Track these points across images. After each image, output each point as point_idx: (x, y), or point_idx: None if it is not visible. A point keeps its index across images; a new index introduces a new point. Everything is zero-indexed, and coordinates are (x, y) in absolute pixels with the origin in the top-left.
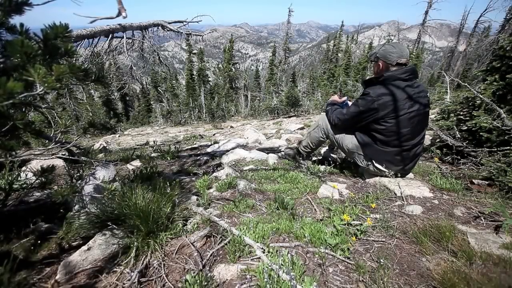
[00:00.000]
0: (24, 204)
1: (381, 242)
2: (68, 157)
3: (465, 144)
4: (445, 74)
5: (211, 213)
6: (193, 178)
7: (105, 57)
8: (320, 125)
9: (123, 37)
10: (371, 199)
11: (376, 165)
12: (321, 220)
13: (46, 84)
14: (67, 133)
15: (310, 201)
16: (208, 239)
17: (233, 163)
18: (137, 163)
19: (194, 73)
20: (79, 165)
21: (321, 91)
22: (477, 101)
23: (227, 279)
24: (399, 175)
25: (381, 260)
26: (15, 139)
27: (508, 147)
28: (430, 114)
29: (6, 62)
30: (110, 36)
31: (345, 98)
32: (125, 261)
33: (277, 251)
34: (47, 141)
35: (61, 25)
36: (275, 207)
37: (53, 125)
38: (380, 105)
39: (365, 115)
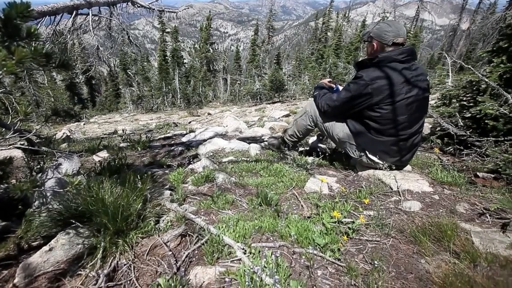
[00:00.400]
0: None
1: (376, 242)
2: (27, 147)
3: (468, 133)
4: (446, 55)
5: (186, 210)
6: (167, 171)
7: (68, 37)
8: (308, 111)
9: (88, 14)
10: (364, 194)
11: (370, 156)
12: (308, 217)
13: (5, 68)
14: (26, 121)
15: (296, 196)
16: (183, 238)
17: (211, 154)
18: (104, 154)
19: (168, 54)
20: (39, 157)
21: (308, 74)
22: (482, 85)
23: (204, 283)
24: (394, 167)
25: (376, 262)
26: None
27: None
28: (430, 99)
29: None
30: (74, 13)
31: (334, 86)
32: (91, 263)
33: (259, 251)
34: (3, 129)
35: (22, 3)
36: (257, 203)
37: (10, 111)
38: (374, 89)
39: (358, 101)
